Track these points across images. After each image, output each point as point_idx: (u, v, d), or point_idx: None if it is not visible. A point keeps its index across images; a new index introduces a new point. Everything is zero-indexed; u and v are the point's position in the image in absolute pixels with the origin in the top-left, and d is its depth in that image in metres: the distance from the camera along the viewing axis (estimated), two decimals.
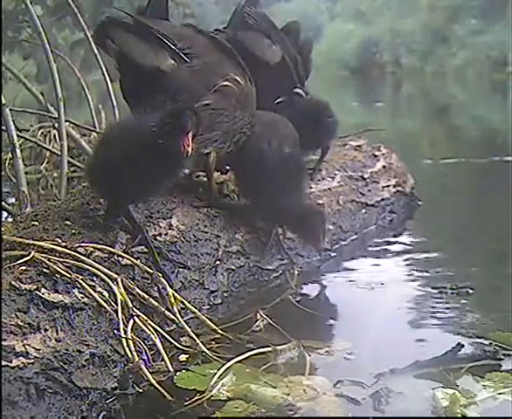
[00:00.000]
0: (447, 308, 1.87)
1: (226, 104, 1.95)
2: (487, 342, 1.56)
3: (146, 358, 1.48)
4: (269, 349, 1.54)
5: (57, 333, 1.36)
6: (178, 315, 1.61)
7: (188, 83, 1.85)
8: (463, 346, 1.50)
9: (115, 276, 1.58)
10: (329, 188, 2.52)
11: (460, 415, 1.28)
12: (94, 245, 1.64)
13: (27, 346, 1.28)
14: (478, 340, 1.59)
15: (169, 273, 1.74)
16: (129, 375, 1.41)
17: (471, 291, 1.94)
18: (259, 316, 1.73)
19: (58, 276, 1.47)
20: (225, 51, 2.03)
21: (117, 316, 1.49)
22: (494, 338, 1.58)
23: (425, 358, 1.49)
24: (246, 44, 2.21)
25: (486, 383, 1.39)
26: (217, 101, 1.93)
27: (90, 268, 1.56)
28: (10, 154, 2.87)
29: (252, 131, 2.08)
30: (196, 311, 1.69)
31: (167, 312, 1.62)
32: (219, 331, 1.65)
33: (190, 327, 1.61)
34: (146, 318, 1.56)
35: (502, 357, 1.51)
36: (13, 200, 2.93)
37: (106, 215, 1.74)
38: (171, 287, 1.67)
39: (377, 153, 2.91)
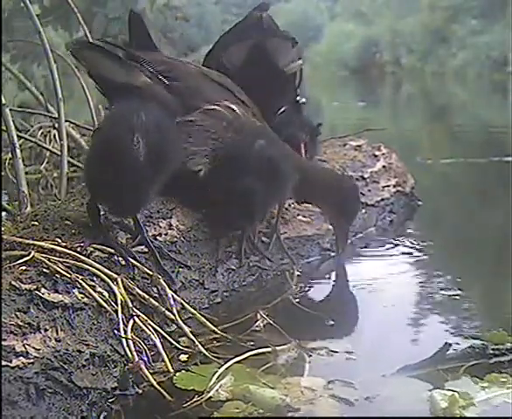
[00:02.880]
0: (447, 308, 1.88)
1: (214, 124, 1.94)
2: (479, 342, 1.55)
3: (146, 358, 1.48)
4: (268, 350, 1.54)
5: (57, 333, 1.36)
6: (178, 316, 1.61)
7: (164, 99, 1.84)
8: (451, 345, 1.50)
9: (115, 276, 1.58)
10: None
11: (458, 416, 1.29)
12: (94, 245, 1.64)
13: (27, 346, 1.28)
14: (471, 340, 1.59)
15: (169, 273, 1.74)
16: (129, 375, 1.41)
17: (470, 292, 1.95)
18: (259, 316, 1.74)
19: (58, 276, 1.47)
20: (224, 85, 2.03)
21: (117, 316, 1.50)
22: (489, 338, 1.58)
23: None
24: (271, 51, 2.21)
25: (485, 385, 1.39)
26: (204, 120, 1.92)
27: (90, 268, 1.56)
28: (10, 154, 2.87)
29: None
30: (195, 312, 1.69)
31: (167, 313, 1.62)
32: (219, 331, 1.65)
33: (189, 327, 1.62)
34: (146, 318, 1.56)
35: (492, 355, 1.51)
36: (11, 199, 2.93)
37: (87, 209, 1.71)
38: (171, 289, 1.67)
39: (377, 153, 2.92)
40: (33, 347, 1.29)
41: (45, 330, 1.34)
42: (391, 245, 2.49)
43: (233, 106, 1.99)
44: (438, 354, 1.49)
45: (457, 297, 1.96)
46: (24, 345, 1.28)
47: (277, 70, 2.20)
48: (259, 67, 2.15)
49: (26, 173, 2.54)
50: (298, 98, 2.38)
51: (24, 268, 1.46)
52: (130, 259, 1.66)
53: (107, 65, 1.83)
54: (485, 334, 1.62)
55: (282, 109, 2.32)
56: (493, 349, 1.52)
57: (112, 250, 1.66)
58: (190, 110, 1.92)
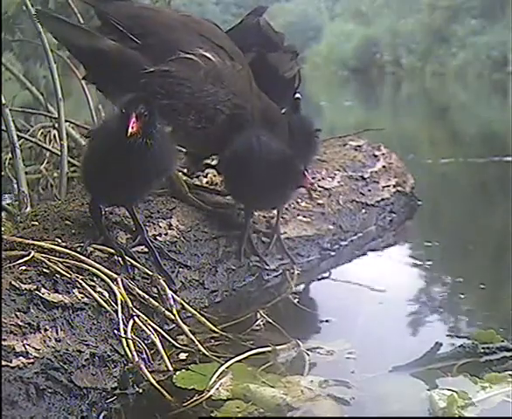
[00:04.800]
0: (445, 308, 1.88)
1: (189, 75, 1.89)
2: (469, 341, 1.56)
3: (146, 357, 1.48)
4: (268, 349, 1.55)
5: (57, 333, 1.36)
6: (178, 317, 1.61)
7: (132, 59, 1.81)
8: (441, 344, 1.51)
9: (115, 276, 1.58)
10: (329, 188, 2.53)
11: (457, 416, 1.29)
12: (94, 245, 1.65)
13: (27, 346, 1.28)
14: (462, 339, 1.59)
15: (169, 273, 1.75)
16: (129, 375, 1.41)
17: (470, 291, 1.95)
18: (258, 315, 1.74)
19: (58, 276, 1.47)
20: (199, 29, 1.96)
21: (117, 316, 1.50)
22: (478, 337, 1.58)
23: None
24: (273, 63, 2.24)
25: (484, 384, 1.39)
26: (178, 70, 1.87)
27: (90, 268, 1.56)
28: (10, 154, 2.87)
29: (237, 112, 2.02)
30: (195, 312, 1.69)
31: (167, 313, 1.62)
32: (219, 331, 1.65)
33: (189, 326, 1.62)
34: (146, 318, 1.56)
35: (482, 354, 1.52)
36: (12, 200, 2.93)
37: (89, 210, 1.71)
38: (171, 289, 1.67)
39: (376, 153, 2.92)
40: (33, 347, 1.29)
41: (45, 330, 1.34)
42: (391, 245, 2.49)
43: (209, 54, 1.93)
44: (429, 354, 1.49)
45: (456, 296, 1.96)
46: (24, 345, 1.28)
47: (278, 76, 2.24)
48: (262, 75, 2.16)
49: (26, 173, 2.54)
50: (296, 95, 2.39)
51: (24, 268, 1.46)
52: (129, 260, 1.66)
53: (71, 34, 1.83)
54: (473, 333, 1.62)
55: (282, 111, 2.33)
56: (483, 348, 1.53)
57: (112, 250, 1.66)
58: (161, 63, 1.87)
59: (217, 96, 1.96)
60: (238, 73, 2.02)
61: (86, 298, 1.48)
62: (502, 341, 1.56)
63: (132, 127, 1.50)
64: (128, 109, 1.52)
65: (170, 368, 1.47)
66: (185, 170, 2.28)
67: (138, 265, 1.68)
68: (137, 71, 1.81)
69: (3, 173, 3.21)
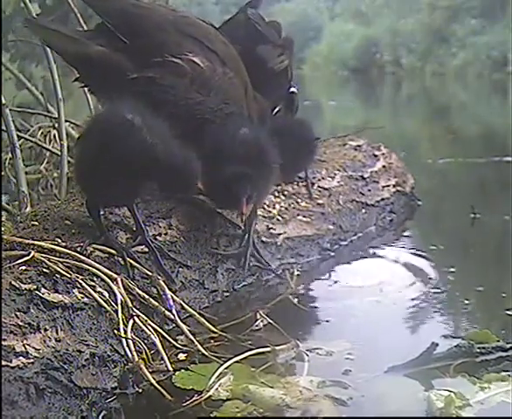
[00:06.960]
0: (445, 309, 1.88)
1: (174, 81, 1.84)
2: (465, 341, 1.55)
3: (146, 357, 1.48)
4: (268, 349, 1.55)
5: (57, 333, 1.36)
6: (177, 317, 1.61)
7: (117, 65, 1.81)
8: (437, 345, 1.50)
9: (115, 276, 1.58)
10: (329, 188, 2.53)
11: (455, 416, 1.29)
12: (94, 245, 1.65)
13: (27, 346, 1.28)
14: (458, 340, 1.59)
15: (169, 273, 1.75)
16: (129, 375, 1.42)
17: (469, 291, 1.95)
18: (258, 316, 1.74)
19: (58, 276, 1.48)
20: (192, 31, 1.91)
21: (117, 316, 1.50)
22: (473, 337, 1.58)
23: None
24: (262, 56, 2.17)
25: (484, 385, 1.39)
26: (163, 77, 1.83)
27: (90, 268, 1.56)
28: (10, 154, 2.88)
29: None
30: (194, 313, 1.69)
31: (167, 313, 1.62)
32: (218, 331, 1.65)
33: (188, 327, 1.62)
34: (146, 318, 1.56)
35: (478, 354, 1.52)
36: (11, 199, 2.93)
37: (87, 208, 1.71)
38: (170, 289, 1.67)
39: (376, 152, 2.92)
40: (33, 347, 1.29)
41: (45, 330, 1.35)
42: (391, 245, 2.49)
43: (197, 60, 1.86)
44: (425, 354, 1.49)
45: (456, 297, 1.96)
46: (24, 345, 1.28)
47: (266, 69, 2.17)
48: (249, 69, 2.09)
49: (26, 173, 2.55)
50: (291, 89, 2.35)
51: (24, 268, 1.46)
52: (129, 260, 1.66)
53: (59, 41, 1.85)
54: (468, 333, 1.63)
55: (277, 109, 2.31)
56: (479, 348, 1.53)
57: (112, 250, 1.66)
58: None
59: (204, 105, 1.89)
60: (230, 80, 1.96)
61: (86, 298, 1.48)
62: (498, 341, 1.56)
63: None
64: None
65: (170, 368, 1.47)
66: None
67: (138, 265, 1.68)
68: (122, 77, 1.80)
69: (3, 173, 3.21)
